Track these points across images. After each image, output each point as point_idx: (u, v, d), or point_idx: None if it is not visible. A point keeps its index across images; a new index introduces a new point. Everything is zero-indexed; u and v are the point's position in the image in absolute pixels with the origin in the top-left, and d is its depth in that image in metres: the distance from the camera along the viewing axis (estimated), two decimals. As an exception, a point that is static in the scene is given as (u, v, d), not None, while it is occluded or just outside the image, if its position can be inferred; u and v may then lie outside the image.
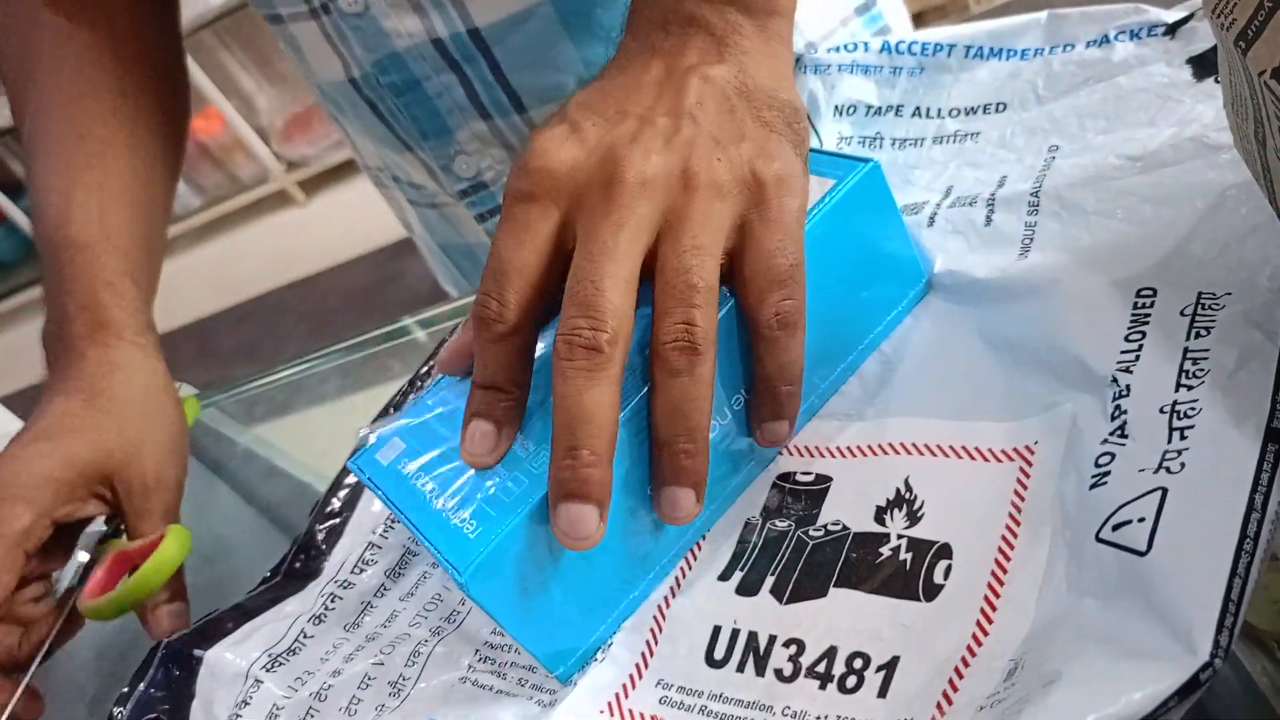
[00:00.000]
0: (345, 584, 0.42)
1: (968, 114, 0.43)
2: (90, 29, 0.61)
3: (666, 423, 0.33)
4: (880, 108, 0.45)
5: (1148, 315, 0.32)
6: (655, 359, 0.32)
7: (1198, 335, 0.30)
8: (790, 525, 0.35)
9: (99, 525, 0.55)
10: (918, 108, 0.45)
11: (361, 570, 0.43)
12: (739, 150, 0.34)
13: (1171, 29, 0.39)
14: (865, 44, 0.46)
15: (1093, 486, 0.29)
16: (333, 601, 0.42)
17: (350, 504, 0.48)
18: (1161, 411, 0.29)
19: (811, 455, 0.37)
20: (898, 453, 0.35)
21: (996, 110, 0.42)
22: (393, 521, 0.45)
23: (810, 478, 0.36)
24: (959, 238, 0.39)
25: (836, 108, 0.46)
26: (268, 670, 0.40)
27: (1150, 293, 0.32)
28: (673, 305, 0.32)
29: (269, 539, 0.63)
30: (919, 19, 2.15)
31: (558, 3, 0.54)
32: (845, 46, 0.46)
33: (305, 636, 0.41)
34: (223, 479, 0.70)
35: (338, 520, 0.47)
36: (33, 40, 0.61)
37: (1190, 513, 0.26)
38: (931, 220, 0.40)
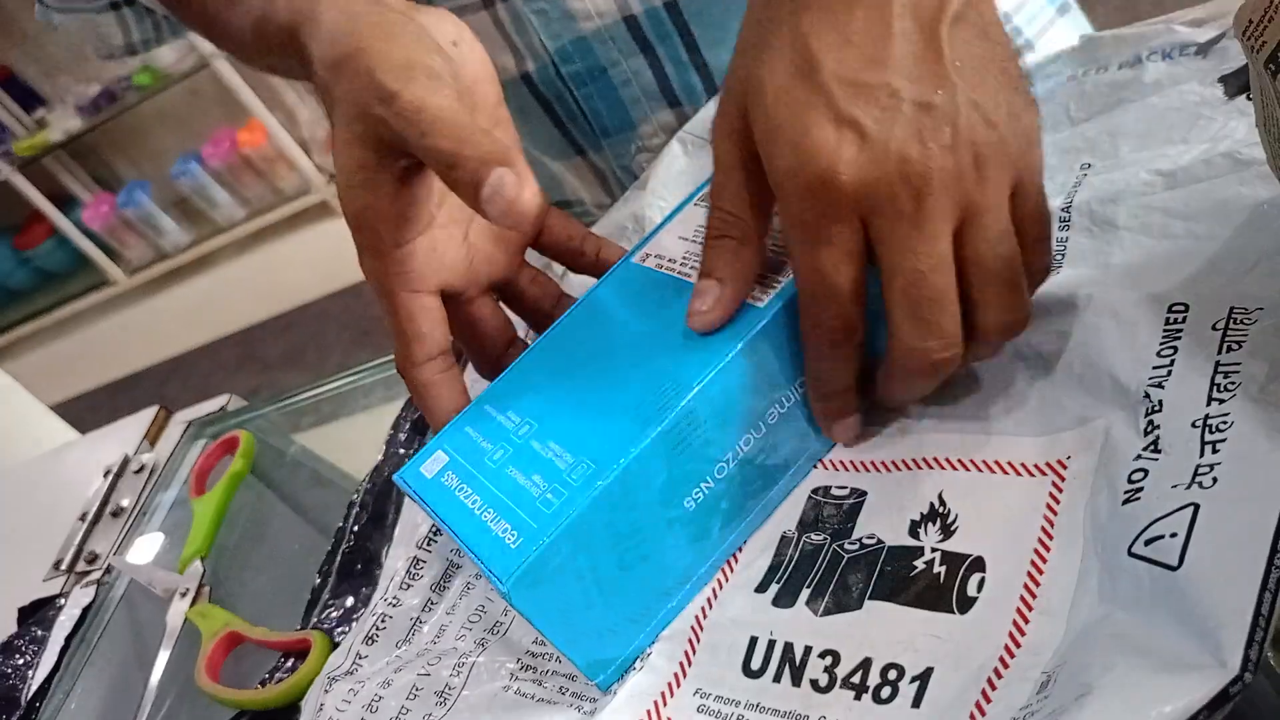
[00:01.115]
0: (394, 602, 0.44)
1: None
2: None
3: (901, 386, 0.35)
4: None
5: (1180, 330, 0.32)
6: (979, 343, 0.34)
7: (1229, 349, 0.31)
8: (826, 539, 0.36)
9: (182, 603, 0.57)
10: None
11: (408, 586, 0.44)
12: (1000, 114, 0.32)
13: (1203, 49, 0.39)
14: None
15: (1126, 502, 0.29)
16: (384, 621, 0.43)
17: (394, 509, 0.49)
18: (1194, 425, 0.29)
19: (846, 469, 0.38)
20: (931, 467, 0.35)
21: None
22: (436, 532, 0.46)
23: (845, 492, 0.37)
24: (992, 254, 0.40)
25: None
26: (326, 691, 0.41)
27: (1182, 308, 0.33)
28: (1004, 293, 0.32)
29: (317, 547, 0.64)
30: None
31: None
32: None
33: (360, 657, 0.42)
34: (271, 488, 0.71)
35: (379, 530, 0.49)
36: None
37: (1222, 528, 0.26)
38: (965, 237, 0.41)
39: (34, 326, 3.29)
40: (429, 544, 0.45)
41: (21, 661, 0.62)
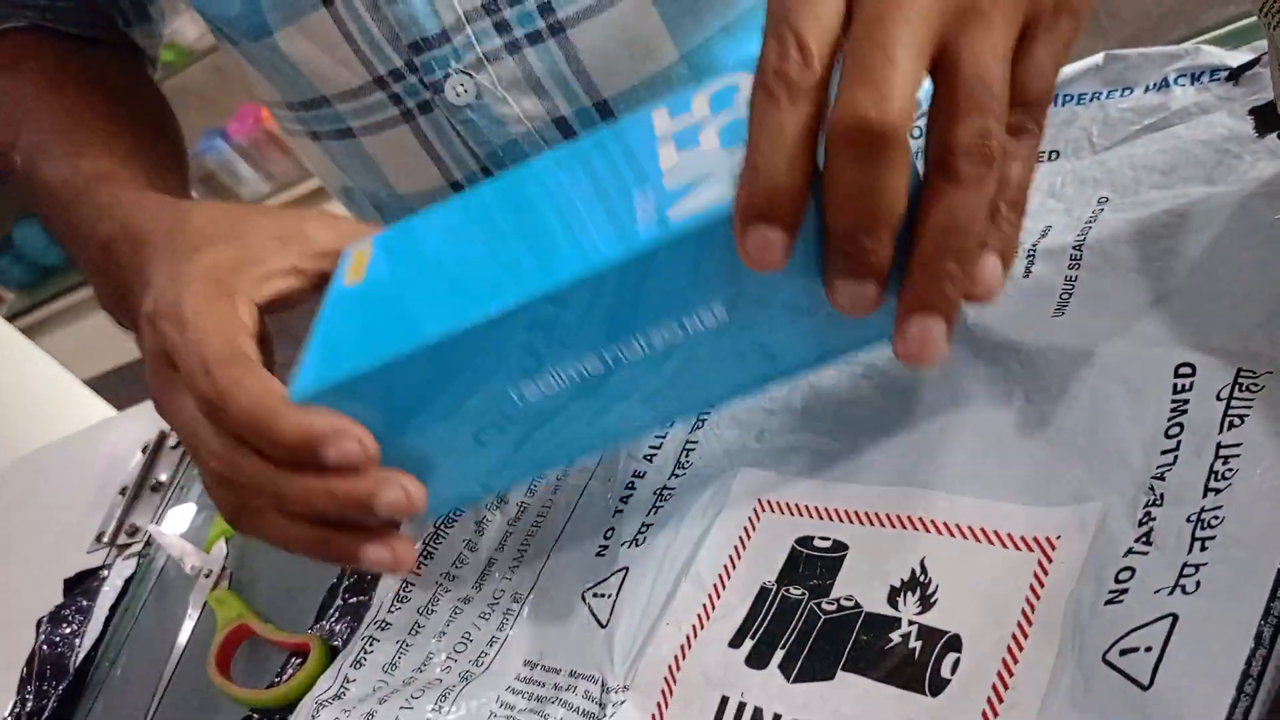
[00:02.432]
0: (383, 624, 0.44)
1: None
2: (79, 75, 0.59)
3: (938, 238, 0.27)
4: None
5: (1186, 404, 0.30)
6: (940, 165, 0.27)
7: (1231, 426, 0.29)
8: (804, 595, 0.35)
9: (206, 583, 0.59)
10: None
11: (397, 609, 0.44)
12: None
13: (1235, 74, 0.36)
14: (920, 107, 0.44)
15: (1109, 602, 0.28)
16: (371, 645, 0.44)
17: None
18: (1188, 520, 0.28)
19: (830, 518, 0.37)
20: (916, 528, 0.34)
21: (1050, 158, 0.40)
22: (426, 555, 0.46)
23: (828, 544, 0.36)
24: (998, 290, 0.38)
25: None
26: (313, 717, 0.42)
27: (1189, 371, 0.31)
28: (972, 110, 0.27)
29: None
30: None
31: (691, 61, 0.51)
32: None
33: (348, 681, 0.43)
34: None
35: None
36: (16, 86, 0.58)
37: (1195, 648, 0.25)
38: (971, 271, 0.39)
39: (67, 302, 3.32)
40: (419, 566, 0.45)
41: (69, 630, 0.65)
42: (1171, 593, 0.27)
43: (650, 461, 0.45)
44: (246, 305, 0.37)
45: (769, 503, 0.38)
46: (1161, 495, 0.29)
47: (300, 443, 0.33)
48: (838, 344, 0.33)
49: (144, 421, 0.79)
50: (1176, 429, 0.30)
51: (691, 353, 0.32)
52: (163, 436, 0.75)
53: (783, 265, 0.27)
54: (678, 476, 0.43)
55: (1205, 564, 0.27)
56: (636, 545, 0.42)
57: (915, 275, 0.28)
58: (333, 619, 0.49)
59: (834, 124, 0.25)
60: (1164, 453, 0.30)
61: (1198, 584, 0.26)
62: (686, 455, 0.44)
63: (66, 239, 0.52)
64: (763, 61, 0.26)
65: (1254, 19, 0.30)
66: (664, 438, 0.45)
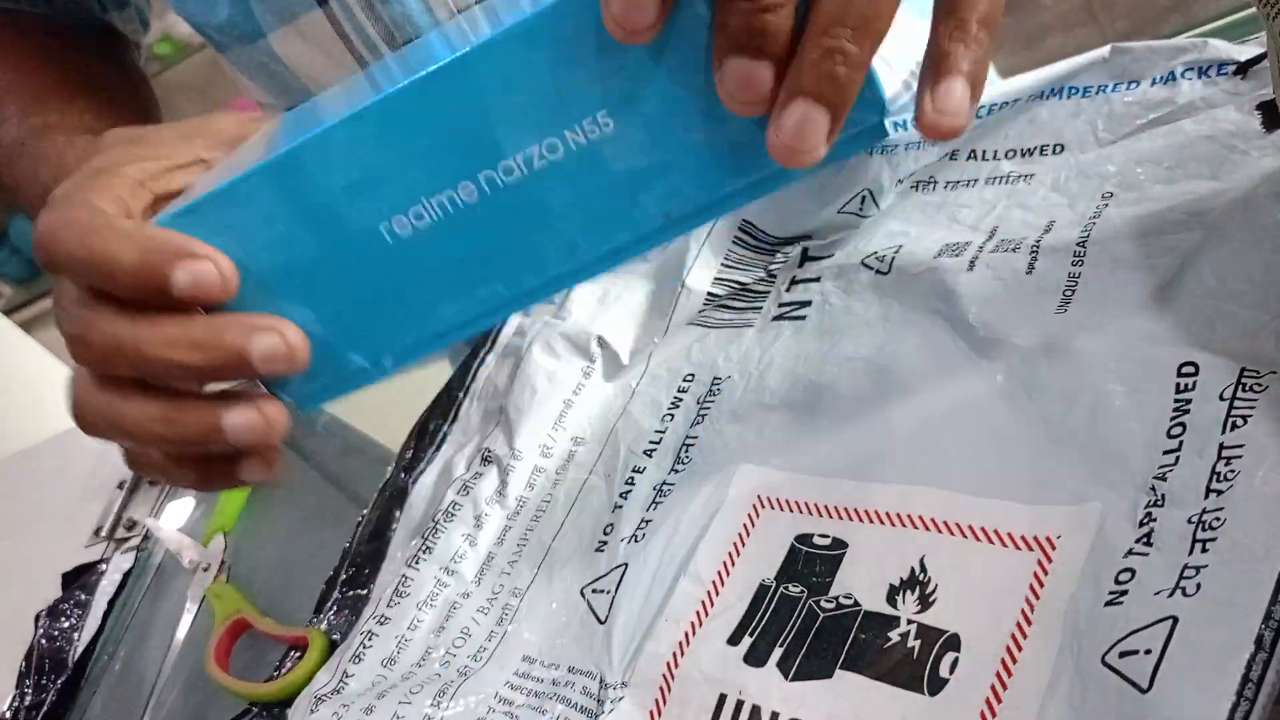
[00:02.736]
0: (382, 619, 0.44)
1: (1024, 155, 0.41)
2: (44, 50, 0.58)
3: (838, 2, 0.25)
4: (938, 158, 0.44)
5: (1188, 403, 0.30)
6: None
7: (1233, 427, 0.29)
8: (803, 592, 0.35)
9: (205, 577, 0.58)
10: (973, 150, 0.42)
11: (396, 603, 0.44)
12: None
13: (1243, 68, 0.36)
14: None
15: (1108, 604, 0.28)
16: (370, 640, 0.43)
17: (386, 526, 0.49)
18: (1189, 521, 0.28)
19: (829, 515, 0.36)
20: (916, 526, 0.34)
21: (1054, 151, 0.40)
22: (425, 550, 0.46)
23: (827, 541, 0.36)
24: (999, 284, 0.37)
25: (899, 180, 0.44)
26: (312, 711, 0.41)
27: (1192, 370, 0.31)
28: None
29: (346, 513, 0.66)
30: None
31: None
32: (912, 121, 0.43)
33: (347, 676, 0.42)
34: (302, 457, 0.72)
35: (380, 542, 0.49)
36: None
37: (1195, 651, 0.25)
38: (972, 264, 0.38)
39: None
40: (417, 561, 0.45)
41: (67, 625, 0.65)
42: (1171, 595, 0.26)
43: (649, 456, 0.44)
44: (132, 189, 0.32)
45: (768, 499, 0.38)
46: (1163, 496, 0.29)
47: (141, 264, 0.28)
48: (734, 178, 0.29)
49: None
50: (1179, 429, 0.29)
51: (577, 179, 0.29)
52: (162, 429, 0.75)
53: (654, 27, 0.25)
54: (677, 472, 0.43)
55: (1206, 566, 0.26)
56: (635, 541, 0.41)
57: (805, 49, 0.25)
58: (331, 612, 0.49)
59: None
60: (1166, 453, 0.29)
61: (1198, 586, 0.26)
62: (686, 450, 0.44)
63: (19, 196, 0.50)
64: None
65: (1252, 10, 0.29)
66: (663, 432, 0.45)
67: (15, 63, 0.56)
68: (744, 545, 0.37)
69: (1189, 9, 1.70)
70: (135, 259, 0.29)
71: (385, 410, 0.75)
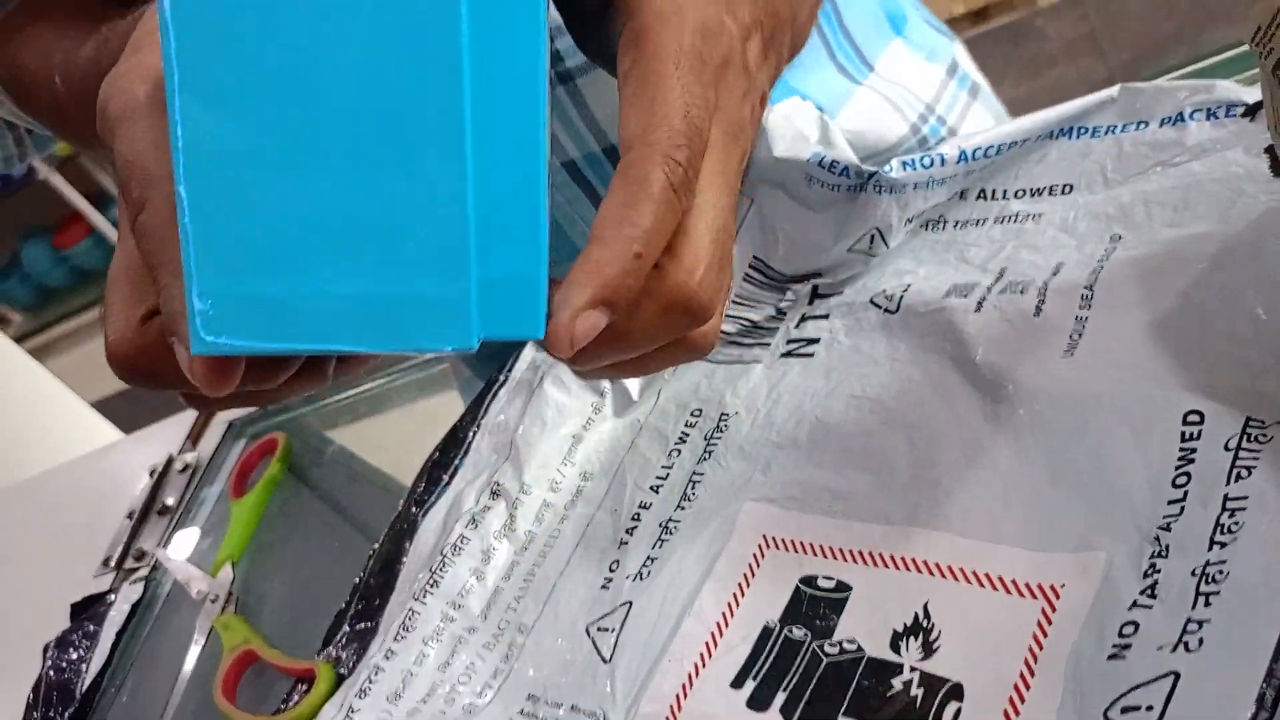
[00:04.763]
0: (389, 654, 0.44)
1: (1033, 195, 0.41)
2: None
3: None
4: (947, 197, 0.44)
5: (1193, 453, 0.30)
6: None
7: (1238, 478, 0.28)
8: (806, 635, 0.34)
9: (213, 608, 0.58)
10: (983, 190, 0.42)
11: (402, 637, 0.44)
12: None
13: (1251, 110, 0.36)
14: (941, 156, 0.43)
15: (1111, 657, 0.27)
16: (376, 674, 0.43)
17: (396, 559, 0.49)
18: (1193, 574, 0.27)
19: (834, 557, 0.36)
20: (919, 570, 0.34)
21: (1063, 192, 0.40)
22: (432, 584, 0.45)
23: (831, 584, 0.35)
24: (1006, 326, 0.37)
25: (908, 219, 0.44)
26: None
27: (1197, 419, 0.30)
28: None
29: (353, 543, 0.66)
30: (983, 14, 2.04)
31: None
32: (921, 162, 0.43)
33: (352, 712, 0.42)
34: (309, 488, 0.72)
35: (389, 575, 0.49)
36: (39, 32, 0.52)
37: (1197, 708, 0.25)
38: (980, 305, 0.38)
39: (73, 324, 3.33)
40: (424, 595, 0.45)
41: (75, 656, 0.64)
42: (1174, 649, 0.26)
43: (656, 492, 0.44)
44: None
45: (773, 539, 0.38)
46: (1167, 546, 0.28)
47: None
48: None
49: (151, 445, 0.79)
50: (1184, 478, 0.29)
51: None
52: (170, 460, 0.75)
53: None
54: (683, 509, 0.43)
55: (1208, 620, 0.26)
56: (641, 579, 0.41)
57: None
58: (339, 645, 0.49)
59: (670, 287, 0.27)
60: (1170, 502, 0.29)
61: (1200, 641, 0.26)
62: (692, 487, 0.43)
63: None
64: (672, 158, 0.26)
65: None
66: (670, 468, 0.45)
67: (77, 23, 0.54)
68: (748, 585, 0.37)
69: (1194, 38, 1.71)
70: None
71: (395, 441, 0.75)
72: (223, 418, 0.78)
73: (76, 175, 3.14)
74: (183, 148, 0.23)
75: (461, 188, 0.23)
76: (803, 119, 0.47)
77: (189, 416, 0.79)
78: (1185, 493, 0.29)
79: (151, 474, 0.75)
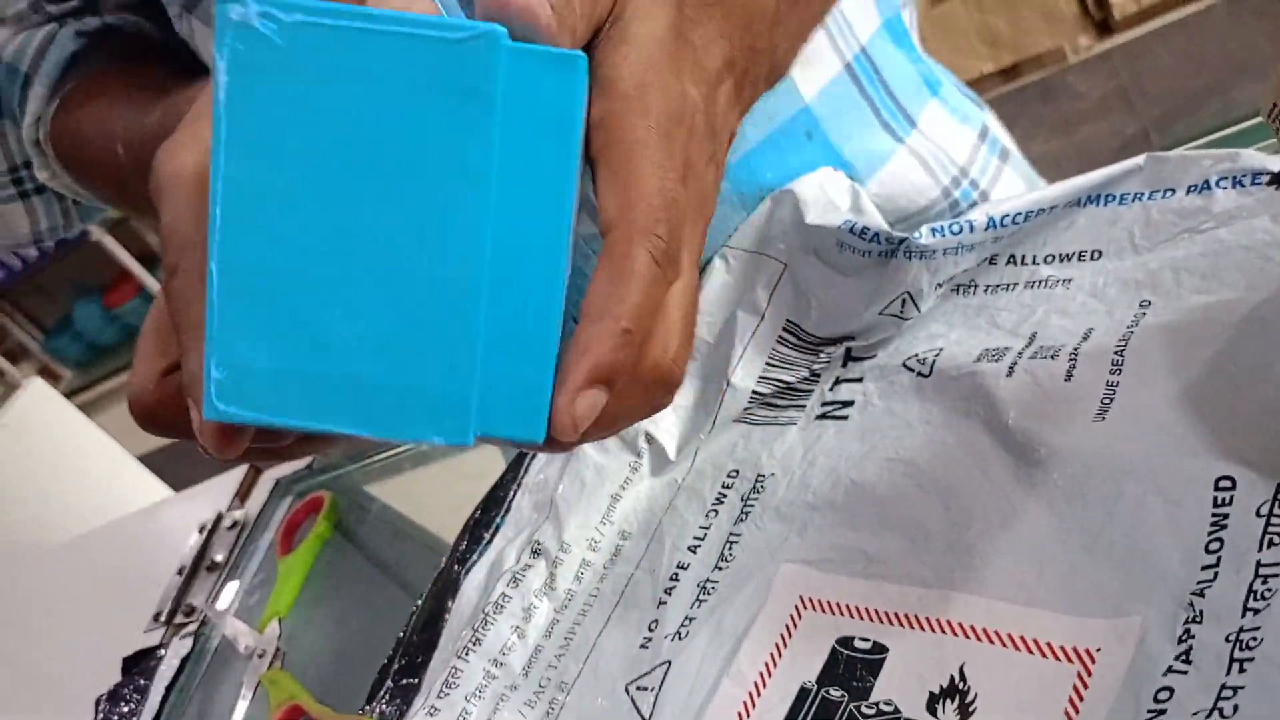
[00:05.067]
0: (431, 710, 0.45)
1: (1062, 261, 0.41)
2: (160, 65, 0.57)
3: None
4: (978, 263, 0.45)
5: (1225, 518, 0.30)
6: None
7: (1270, 544, 0.29)
8: (844, 696, 0.35)
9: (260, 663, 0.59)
10: (1012, 255, 0.43)
11: (445, 694, 0.45)
12: None
13: (1276, 179, 0.37)
14: (970, 223, 0.44)
15: None
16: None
17: (439, 616, 0.50)
18: (1227, 640, 0.28)
19: (871, 619, 0.36)
20: (956, 633, 0.34)
21: (1092, 258, 0.41)
22: (475, 641, 0.46)
23: (868, 645, 0.36)
24: (1038, 390, 0.38)
25: (939, 284, 0.45)
26: None
27: (1229, 484, 0.31)
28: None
29: (397, 600, 0.67)
30: (1012, 71, 2.05)
31: (732, 175, 0.50)
32: (950, 229, 0.44)
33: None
34: (354, 545, 0.74)
35: (432, 632, 0.50)
36: (107, 96, 0.56)
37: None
38: (1011, 370, 0.39)
39: (121, 380, 3.43)
40: (466, 653, 0.46)
41: (127, 709, 0.66)
42: (1209, 716, 0.26)
43: (694, 553, 0.45)
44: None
45: (810, 600, 0.38)
46: (1201, 612, 0.29)
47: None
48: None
49: (201, 502, 0.81)
50: (1216, 544, 0.30)
51: None
52: (219, 517, 0.77)
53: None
54: (720, 569, 0.43)
55: (1243, 687, 0.26)
56: (679, 639, 0.42)
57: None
58: (384, 700, 0.50)
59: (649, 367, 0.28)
60: (1204, 568, 0.29)
61: (1235, 708, 0.26)
62: (730, 547, 0.44)
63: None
64: (653, 234, 0.27)
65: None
66: (707, 529, 0.46)
67: (141, 88, 0.55)
68: (786, 646, 0.38)
69: (1226, 93, 1.71)
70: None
71: (437, 499, 0.77)
72: (270, 475, 0.80)
73: (128, 237, 3.23)
74: (220, 227, 0.25)
75: (476, 292, 0.25)
76: (834, 188, 0.48)
77: (237, 474, 0.81)
78: (1218, 559, 0.29)
79: (201, 530, 0.76)
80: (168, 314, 0.30)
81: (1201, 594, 0.29)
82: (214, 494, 0.80)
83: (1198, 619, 0.29)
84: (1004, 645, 0.33)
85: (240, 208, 0.25)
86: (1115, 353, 0.37)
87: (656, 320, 0.28)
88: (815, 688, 0.36)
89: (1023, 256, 0.43)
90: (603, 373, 0.26)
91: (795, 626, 0.38)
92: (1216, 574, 0.29)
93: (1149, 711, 0.28)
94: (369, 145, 0.24)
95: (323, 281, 0.25)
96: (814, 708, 0.35)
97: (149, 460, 1.43)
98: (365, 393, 0.25)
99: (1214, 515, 0.30)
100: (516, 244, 0.26)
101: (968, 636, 0.34)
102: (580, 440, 0.28)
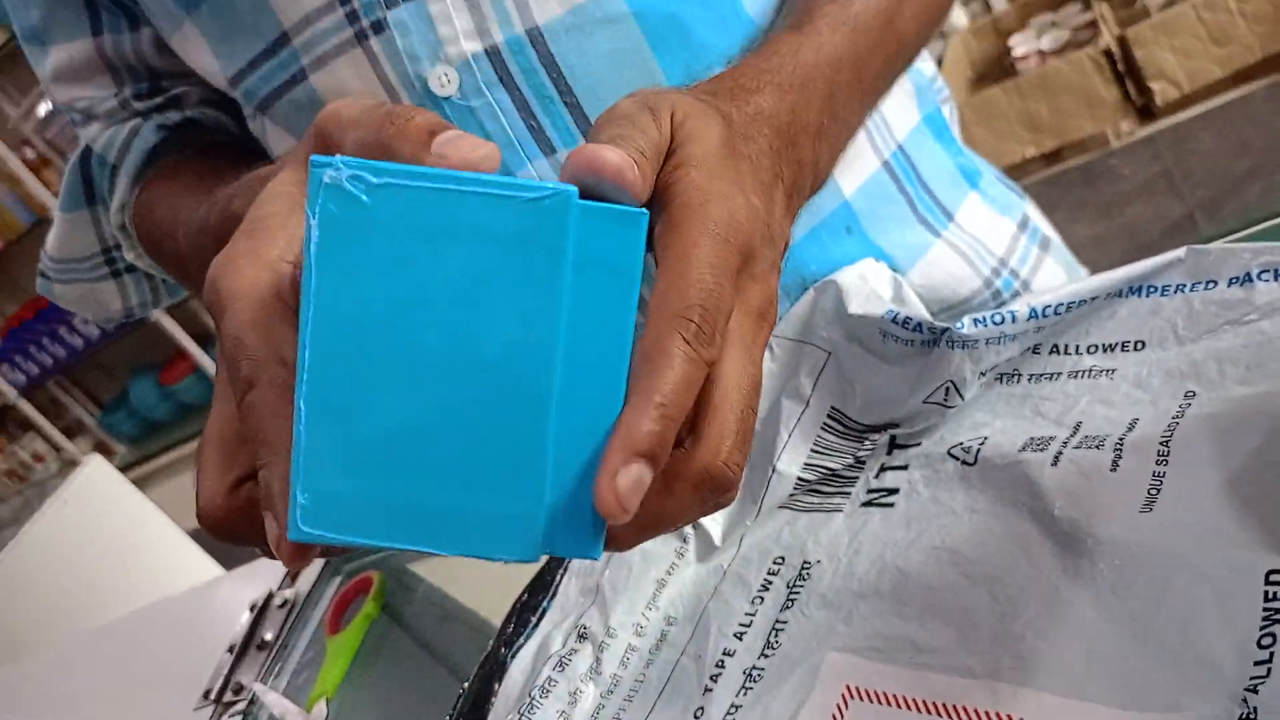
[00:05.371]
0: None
1: (1106, 350, 0.42)
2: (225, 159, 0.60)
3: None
4: (1021, 352, 0.45)
5: (1277, 612, 0.30)
6: None
7: None
8: (894, 790, 0.35)
9: None
10: (1055, 345, 0.44)
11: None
12: None
13: (1318, 273, 0.37)
14: (1013, 314, 0.45)
15: None
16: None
17: (485, 699, 0.50)
18: None
19: (918, 709, 0.36)
20: (1006, 726, 0.34)
21: (1135, 348, 0.41)
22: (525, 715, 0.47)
23: (918, 738, 0.36)
24: (1083, 481, 0.38)
25: (981, 373, 0.46)
26: None
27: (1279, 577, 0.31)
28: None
29: (443, 682, 0.67)
30: (1055, 156, 2.07)
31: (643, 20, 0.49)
32: (993, 319, 0.45)
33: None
34: (401, 626, 0.74)
35: (478, 715, 0.50)
36: (172, 188, 0.59)
37: None
38: (1056, 460, 0.39)
39: (174, 455, 3.47)
40: (517, 731, 0.46)
41: (176, 786, 0.66)
42: None
43: (740, 639, 0.45)
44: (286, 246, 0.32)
45: (857, 690, 0.38)
46: (1255, 709, 0.28)
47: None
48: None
49: (252, 581, 0.82)
50: (1269, 639, 0.29)
51: None
52: (270, 596, 0.78)
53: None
54: (766, 656, 0.44)
55: None
56: None
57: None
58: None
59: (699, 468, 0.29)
60: (1256, 664, 0.29)
61: None
62: (776, 635, 0.44)
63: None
64: (685, 318, 0.28)
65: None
66: (753, 615, 0.46)
67: (203, 177, 0.58)
68: (834, 736, 0.38)
69: (1270, 176, 1.70)
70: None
71: (484, 581, 0.77)
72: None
73: (185, 317, 3.31)
74: (309, 367, 0.27)
75: (544, 425, 0.27)
76: (877, 279, 0.49)
77: (288, 553, 0.82)
78: (1271, 654, 0.29)
79: (252, 609, 0.77)
80: (231, 422, 0.32)
81: (1255, 690, 0.29)
82: (265, 573, 0.81)
83: (1251, 715, 0.28)
84: (1054, 739, 0.32)
85: (326, 349, 0.27)
86: (1161, 444, 0.37)
87: (707, 423, 0.29)
88: (863, 779, 0.36)
89: (1065, 346, 0.43)
90: (640, 447, 0.27)
91: (842, 716, 0.38)
92: (1269, 669, 0.29)
93: None
94: (448, 292, 0.27)
95: (402, 415, 0.27)
96: (862, 800, 0.35)
97: (201, 537, 1.45)
98: (440, 515, 0.28)
99: (1266, 609, 0.30)
100: (581, 379, 0.28)
101: (1017, 730, 0.33)
102: (636, 538, 0.29)
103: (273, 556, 0.31)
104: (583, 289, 0.28)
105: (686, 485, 0.29)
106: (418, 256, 0.27)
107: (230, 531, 0.33)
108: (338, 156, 0.27)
